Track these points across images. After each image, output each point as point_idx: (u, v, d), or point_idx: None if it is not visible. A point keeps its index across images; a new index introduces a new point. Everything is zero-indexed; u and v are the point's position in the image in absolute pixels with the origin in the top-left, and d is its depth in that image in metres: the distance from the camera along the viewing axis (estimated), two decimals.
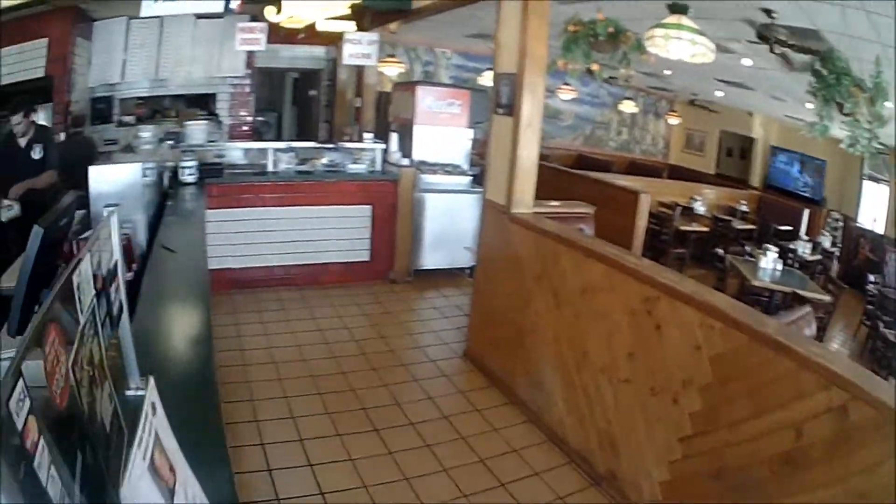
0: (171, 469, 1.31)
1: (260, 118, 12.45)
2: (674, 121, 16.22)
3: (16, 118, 6.23)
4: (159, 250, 3.97)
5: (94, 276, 1.68)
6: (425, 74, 13.18)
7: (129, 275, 3.25)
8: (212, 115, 10.57)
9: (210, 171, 7.09)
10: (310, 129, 12.56)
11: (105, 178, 3.96)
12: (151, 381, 1.42)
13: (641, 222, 8.50)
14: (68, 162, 6.06)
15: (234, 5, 6.31)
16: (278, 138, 13.09)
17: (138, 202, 4.03)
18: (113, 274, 1.92)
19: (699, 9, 5.27)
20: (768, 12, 5.93)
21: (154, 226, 4.73)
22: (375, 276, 7.87)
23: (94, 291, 1.62)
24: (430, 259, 8.00)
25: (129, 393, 2.07)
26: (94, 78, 9.69)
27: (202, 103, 10.79)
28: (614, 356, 3.91)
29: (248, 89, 10.74)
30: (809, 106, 6.92)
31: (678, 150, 17.22)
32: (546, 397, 4.64)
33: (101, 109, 9.81)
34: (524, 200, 5.24)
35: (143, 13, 3.84)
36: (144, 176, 5.33)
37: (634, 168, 14.99)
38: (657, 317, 3.53)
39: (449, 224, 7.90)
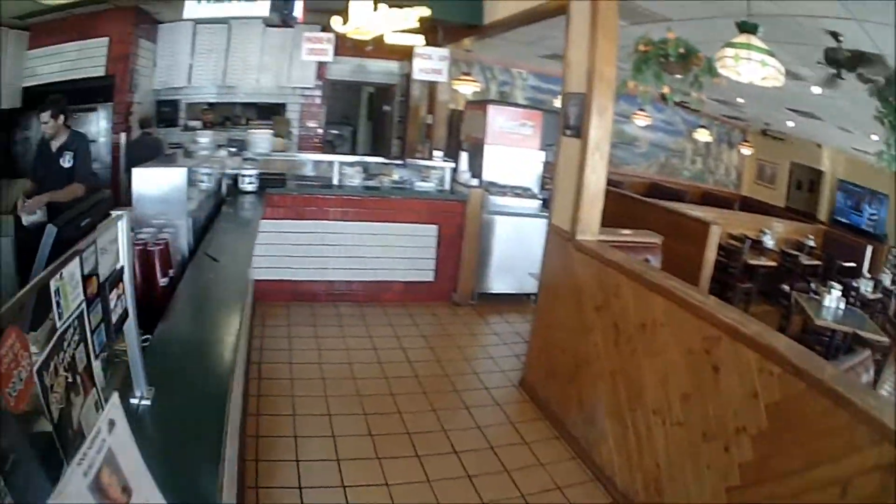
0: (125, 490, 1.25)
1: (334, 131, 12.49)
2: (746, 151, 15.80)
3: (44, 116, 5.87)
4: (202, 257, 3.89)
5: (88, 281, 1.62)
6: (501, 94, 13.02)
7: (164, 280, 3.21)
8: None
9: (272, 181, 7.03)
10: (383, 144, 12.46)
11: (149, 181, 3.89)
12: (115, 397, 1.36)
13: (710, 254, 8.21)
14: (137, 162, 5.96)
15: (297, 13, 6.02)
16: (352, 152, 13.05)
17: (181, 207, 3.91)
18: (116, 280, 1.86)
19: (767, 34, 4.96)
20: (835, 36, 5.75)
21: (203, 232, 4.67)
22: (438, 298, 7.67)
23: (82, 297, 1.56)
24: (496, 283, 7.80)
25: (132, 401, 2.01)
26: (160, 80, 9.83)
27: (273, 113, 10.76)
28: (669, 397, 3.70)
29: (318, 101, 10.75)
30: (875, 137, 6.50)
31: (750, 181, 16.67)
32: (597, 434, 4.43)
33: (167, 113, 9.90)
34: (590, 227, 5.01)
35: (186, 14, 3.65)
36: (200, 181, 5.35)
37: (707, 198, 14.56)
38: (716, 358, 3.32)
39: (516, 248, 7.66)
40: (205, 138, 6.14)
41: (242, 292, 3.34)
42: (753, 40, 4.81)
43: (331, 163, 7.76)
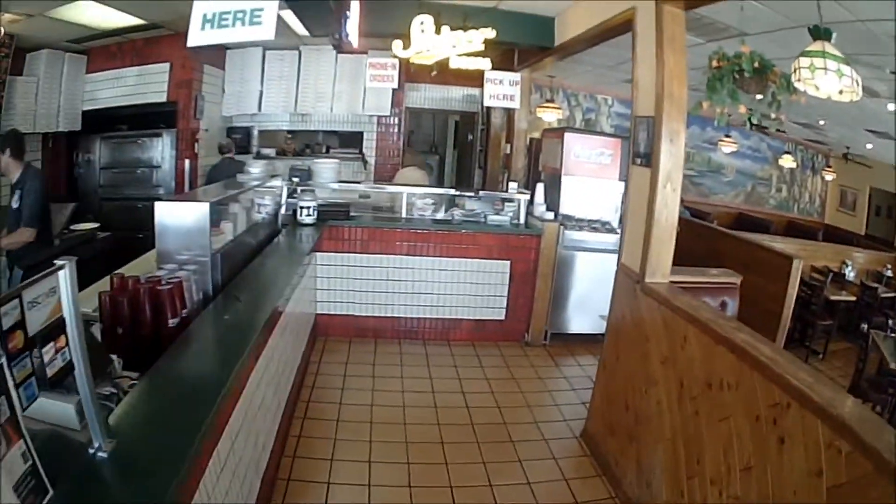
0: None
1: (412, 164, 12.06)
2: (829, 176, 15.07)
3: None
4: (230, 295, 3.78)
5: (12, 335, 1.58)
6: (586, 122, 12.71)
7: (174, 321, 3.08)
8: (359, 155, 10.48)
9: (334, 213, 6.89)
10: (467, 174, 12.36)
11: (171, 215, 3.72)
12: None
13: (793, 291, 7.59)
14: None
15: (352, 39, 5.89)
16: (439, 182, 13.03)
17: (204, 243, 3.73)
18: (51, 334, 1.77)
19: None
20: None
21: (246, 264, 4.58)
22: (508, 337, 7.34)
23: None
24: (571, 323, 7.42)
25: (90, 451, 1.91)
26: (229, 107, 9.79)
27: (355, 142, 10.69)
28: (729, 467, 3.36)
29: (395, 129, 10.49)
30: None
31: (833, 208, 15.89)
32: (652, 500, 4.09)
33: (238, 140, 9.77)
34: (660, 268, 4.62)
35: (190, 42, 3.30)
36: (258, 213, 5.38)
37: (791, 229, 13.81)
38: (783, 428, 2.96)
39: (593, 285, 7.24)
40: (256, 168, 6.00)
41: (256, 336, 3.17)
42: (828, 47, 4.33)
43: (400, 194, 7.49)
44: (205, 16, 3.70)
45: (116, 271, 3.70)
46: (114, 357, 2.66)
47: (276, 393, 4.22)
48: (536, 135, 10.36)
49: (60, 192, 8.69)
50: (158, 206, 3.68)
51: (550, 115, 10.61)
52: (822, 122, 11.16)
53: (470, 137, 11.90)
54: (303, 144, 10.60)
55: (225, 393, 2.47)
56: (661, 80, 4.42)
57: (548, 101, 10.64)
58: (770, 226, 13.47)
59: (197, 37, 3.76)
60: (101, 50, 8.49)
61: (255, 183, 5.47)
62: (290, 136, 10.42)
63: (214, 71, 9.26)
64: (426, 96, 10.83)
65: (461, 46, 6.11)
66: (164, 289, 3.06)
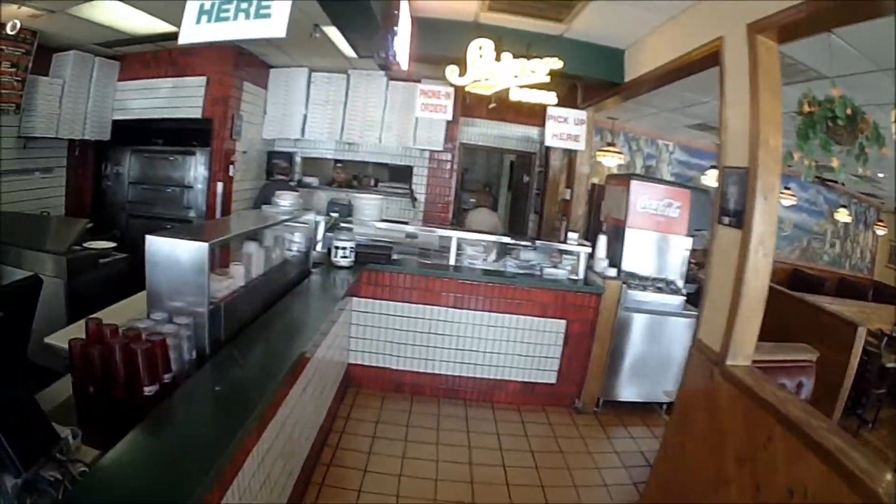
0: None
1: (473, 200, 11.26)
2: (881, 231, 14.61)
3: None
4: (232, 354, 3.26)
5: None
6: (646, 169, 12.07)
7: (151, 388, 2.65)
8: (408, 191, 9.89)
9: (374, 255, 6.35)
10: (521, 219, 11.59)
11: (163, 255, 3.18)
12: None
13: (855, 360, 6.91)
14: None
15: (401, 61, 5.41)
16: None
17: (201, 292, 3.19)
18: None
19: None
20: None
21: (263, 310, 4.10)
22: (558, 402, 6.75)
23: None
24: (624, 390, 6.78)
25: None
26: (271, 130, 9.30)
27: (405, 176, 10.11)
28: None
29: (448, 166, 9.87)
30: None
31: (882, 264, 15.34)
32: None
33: (278, 166, 9.26)
34: (743, 349, 4.01)
35: (183, 39, 2.56)
36: (285, 251, 4.95)
37: (843, 287, 13.01)
38: None
39: (651, 351, 6.66)
40: (286, 200, 5.36)
41: (249, 411, 2.65)
42: None
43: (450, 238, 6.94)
44: (202, 6, 3.20)
45: (101, 312, 3.42)
46: (67, 431, 2.18)
47: (287, 464, 3.72)
48: (597, 180, 9.57)
49: (85, 203, 8.41)
50: (150, 240, 3.18)
51: (611, 160, 9.97)
52: (881, 175, 10.59)
53: (526, 179, 11.28)
54: (350, 175, 10.04)
55: (200, 493, 2.04)
56: (757, 126, 3.86)
57: (609, 144, 9.98)
58: (824, 283, 12.73)
59: (191, 32, 3.24)
60: (134, 57, 8.13)
61: (283, 217, 4.94)
62: (339, 164, 9.88)
63: (256, 90, 8.82)
64: (481, 132, 10.27)
65: (523, 77, 5.59)
66: (141, 348, 2.61)
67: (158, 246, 3.16)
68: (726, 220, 4.16)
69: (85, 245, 6.39)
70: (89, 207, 8.35)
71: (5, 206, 6.82)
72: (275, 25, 2.97)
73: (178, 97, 8.02)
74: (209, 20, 3.08)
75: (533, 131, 10.10)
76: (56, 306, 5.75)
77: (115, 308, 3.97)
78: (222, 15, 3.05)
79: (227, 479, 2.44)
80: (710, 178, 10.72)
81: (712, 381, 4.07)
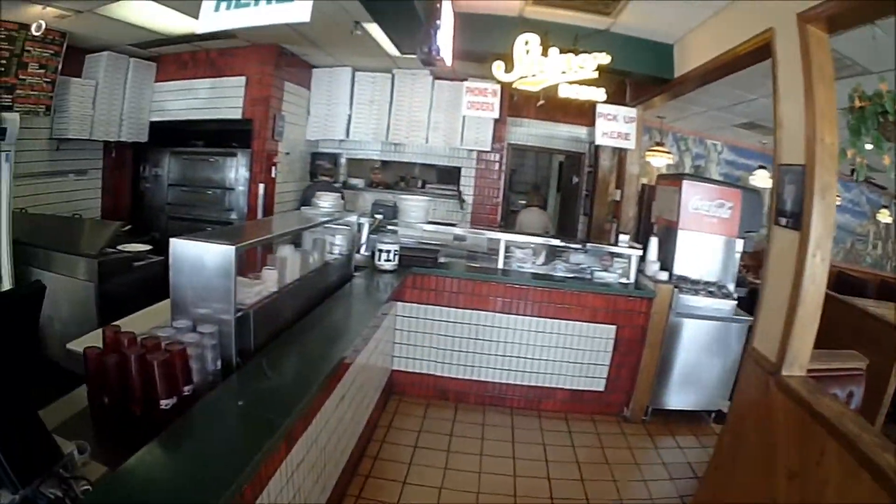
0: None
1: (522, 201, 11.05)
2: None
3: None
4: (260, 366, 3.07)
5: None
6: (695, 169, 11.67)
7: (168, 401, 2.50)
8: (456, 192, 9.71)
9: (418, 259, 6.18)
10: (570, 221, 11.36)
11: (188, 259, 3.02)
12: None
13: None
14: None
15: (444, 54, 5.12)
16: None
17: (226, 298, 3.02)
18: None
19: None
20: None
21: (299, 318, 3.91)
22: (606, 410, 6.52)
23: None
24: (673, 398, 6.50)
25: None
26: (314, 131, 9.19)
27: (453, 178, 9.94)
28: None
29: (497, 166, 9.66)
30: None
31: None
32: None
33: (322, 166, 8.96)
34: (799, 358, 3.81)
35: (202, 27, 2.38)
36: (326, 254, 4.77)
37: (884, 289, 12.48)
38: None
39: (701, 358, 6.37)
40: (327, 201, 5.33)
41: (273, 431, 2.44)
42: None
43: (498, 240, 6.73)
44: None
45: (126, 318, 3.34)
46: (72, 445, 2.09)
47: (321, 478, 3.55)
48: (646, 181, 9.27)
49: (122, 205, 8.42)
50: (174, 244, 3.05)
51: (660, 160, 9.71)
52: None
53: (575, 180, 11.06)
54: (397, 177, 9.95)
55: None
56: (812, 122, 3.65)
57: (657, 144, 9.63)
58: (868, 286, 12.26)
59: (211, 20, 3.10)
60: (171, 58, 8.12)
61: (322, 219, 4.80)
62: (376, 167, 9.78)
63: (299, 90, 8.72)
64: (529, 133, 10.05)
65: (571, 72, 5.40)
66: (157, 359, 2.48)
67: (183, 249, 3.02)
68: (783, 220, 3.94)
69: (119, 248, 6.28)
70: (127, 210, 8.32)
71: (39, 209, 6.82)
72: (298, 10, 2.79)
73: (218, 98, 7.95)
74: (228, 7, 2.92)
75: (581, 131, 9.91)
76: (87, 310, 5.71)
77: (143, 314, 3.85)
78: (243, 1, 2.86)
79: (247, 499, 2.29)
80: (759, 179, 10.46)
81: (767, 392, 3.86)
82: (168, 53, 7.94)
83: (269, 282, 3.64)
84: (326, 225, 4.83)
